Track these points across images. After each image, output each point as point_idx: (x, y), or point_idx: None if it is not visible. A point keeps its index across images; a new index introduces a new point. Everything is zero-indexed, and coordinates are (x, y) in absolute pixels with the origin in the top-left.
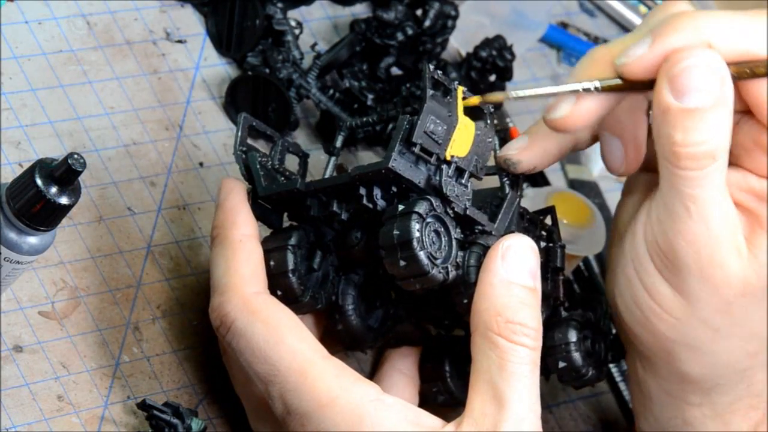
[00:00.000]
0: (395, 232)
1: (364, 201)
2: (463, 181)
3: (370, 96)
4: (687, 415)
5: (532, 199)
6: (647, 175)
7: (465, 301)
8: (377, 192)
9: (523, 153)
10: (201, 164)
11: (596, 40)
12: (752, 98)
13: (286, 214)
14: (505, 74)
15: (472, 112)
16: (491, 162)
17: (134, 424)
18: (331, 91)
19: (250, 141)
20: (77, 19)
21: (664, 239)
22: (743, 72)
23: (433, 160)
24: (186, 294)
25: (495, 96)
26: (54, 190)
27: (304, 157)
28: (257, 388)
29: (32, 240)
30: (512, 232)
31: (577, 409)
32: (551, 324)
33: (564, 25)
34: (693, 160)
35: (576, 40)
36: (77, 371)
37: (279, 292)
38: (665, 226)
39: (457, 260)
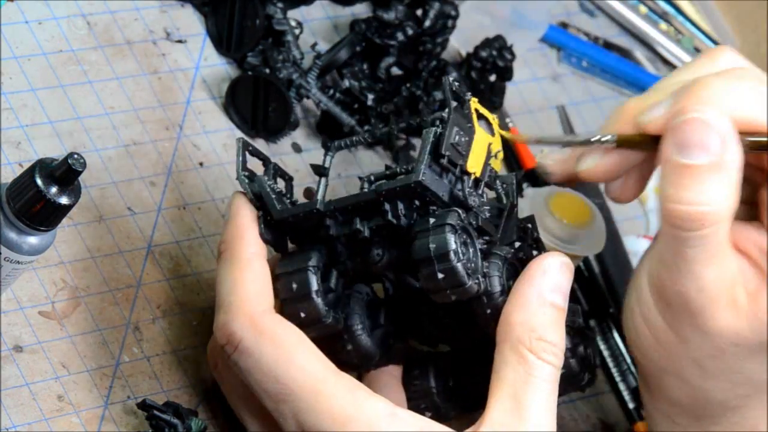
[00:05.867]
0: (431, 245)
1: (389, 217)
2: (479, 191)
3: (370, 96)
4: None
5: (532, 198)
6: None
7: (488, 311)
8: (401, 207)
9: (557, 166)
10: (201, 164)
11: (596, 40)
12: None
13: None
14: (505, 74)
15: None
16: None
17: (134, 424)
18: (331, 91)
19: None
20: (77, 19)
21: (659, 282)
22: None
23: (456, 171)
24: (186, 294)
25: (519, 137)
26: (54, 190)
27: (289, 180)
28: (264, 405)
29: (32, 240)
30: (513, 240)
31: (577, 409)
32: None
33: (564, 25)
34: (682, 220)
35: (576, 40)
36: (77, 371)
37: (302, 315)
38: (660, 272)
39: (484, 270)
